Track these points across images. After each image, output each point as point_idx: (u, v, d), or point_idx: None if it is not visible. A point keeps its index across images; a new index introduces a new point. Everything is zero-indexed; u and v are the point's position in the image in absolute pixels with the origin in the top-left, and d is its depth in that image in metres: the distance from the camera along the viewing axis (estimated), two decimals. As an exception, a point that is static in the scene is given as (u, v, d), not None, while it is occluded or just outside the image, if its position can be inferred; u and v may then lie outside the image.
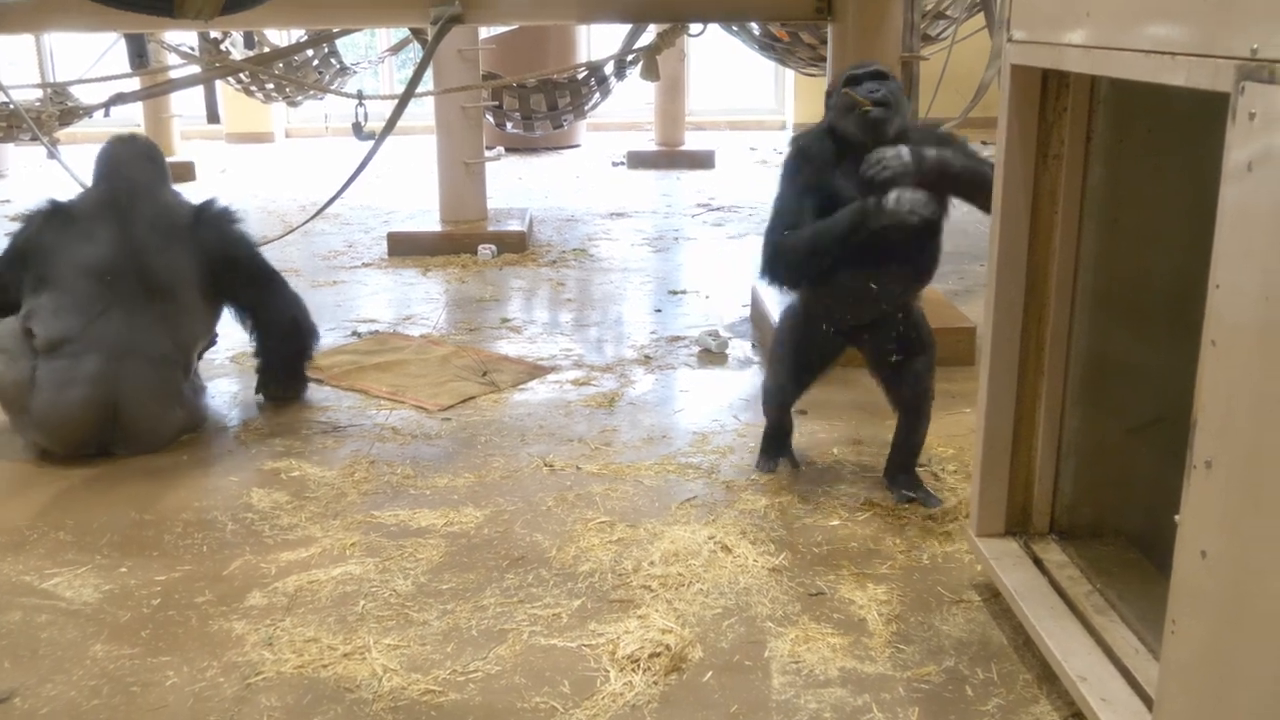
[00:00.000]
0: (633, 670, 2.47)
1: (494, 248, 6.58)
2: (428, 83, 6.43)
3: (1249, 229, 1.53)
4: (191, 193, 4.57)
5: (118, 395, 3.64)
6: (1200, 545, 1.66)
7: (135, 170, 4.01)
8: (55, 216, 3.88)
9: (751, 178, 9.48)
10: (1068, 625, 2.40)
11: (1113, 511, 2.74)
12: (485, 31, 8.48)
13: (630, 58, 7.60)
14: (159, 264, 3.83)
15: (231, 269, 4.01)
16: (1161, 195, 2.54)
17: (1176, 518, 1.72)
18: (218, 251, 3.97)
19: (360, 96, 6.63)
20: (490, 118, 8.03)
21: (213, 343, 4.42)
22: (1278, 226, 1.47)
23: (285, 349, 4.21)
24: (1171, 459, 1.84)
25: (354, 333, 5.12)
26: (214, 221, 4.03)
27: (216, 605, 2.80)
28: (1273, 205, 1.48)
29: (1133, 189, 2.56)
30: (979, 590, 2.82)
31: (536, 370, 4.56)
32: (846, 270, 3.09)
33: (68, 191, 4.29)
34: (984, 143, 10.36)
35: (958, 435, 3.75)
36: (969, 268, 6.05)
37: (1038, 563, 2.65)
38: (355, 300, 5.75)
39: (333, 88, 8.73)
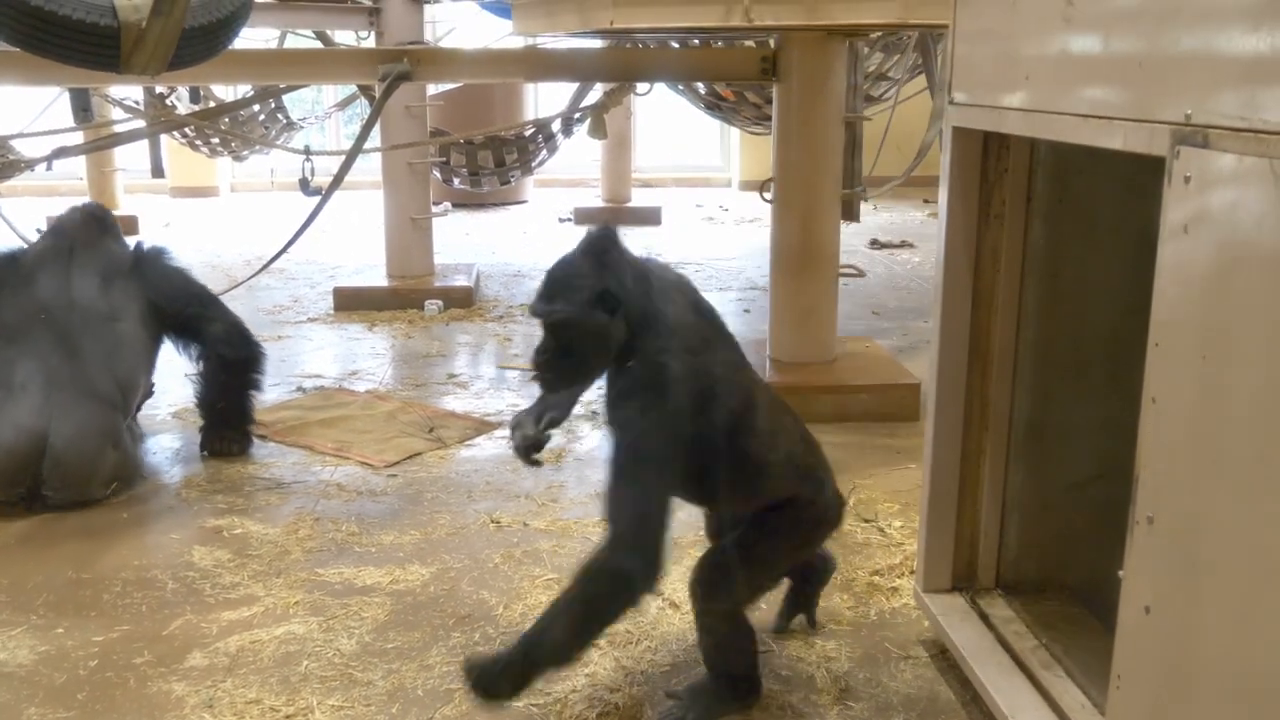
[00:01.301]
0: (581, 730, 2.45)
1: (441, 303, 6.56)
2: (375, 139, 6.45)
3: (1186, 289, 1.57)
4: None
5: (51, 430, 3.58)
6: (1143, 600, 1.68)
7: (79, 226, 4.14)
8: (2, 262, 4.01)
9: (698, 234, 9.55)
10: (1014, 681, 2.41)
11: (1057, 566, 2.77)
12: (433, 88, 8.51)
13: (577, 115, 7.66)
14: (99, 304, 3.90)
15: (170, 296, 4.10)
16: (1101, 254, 2.60)
17: (1120, 573, 1.74)
18: (156, 283, 4.09)
19: (307, 152, 6.62)
20: (438, 173, 8.05)
21: (150, 394, 4.38)
22: (1213, 287, 1.51)
23: (233, 356, 4.18)
24: (1114, 514, 1.86)
25: (299, 388, 5.08)
26: (151, 258, 4.17)
27: (156, 666, 2.74)
28: (1208, 266, 1.52)
29: (1073, 248, 2.61)
30: (926, 646, 2.83)
31: (483, 426, 4.55)
32: None
33: (8, 244, 4.28)
34: (926, 201, 10.57)
35: (903, 491, 3.78)
36: (912, 324, 6.12)
37: (984, 618, 2.66)
38: (300, 355, 5.71)
39: (279, 143, 8.72)
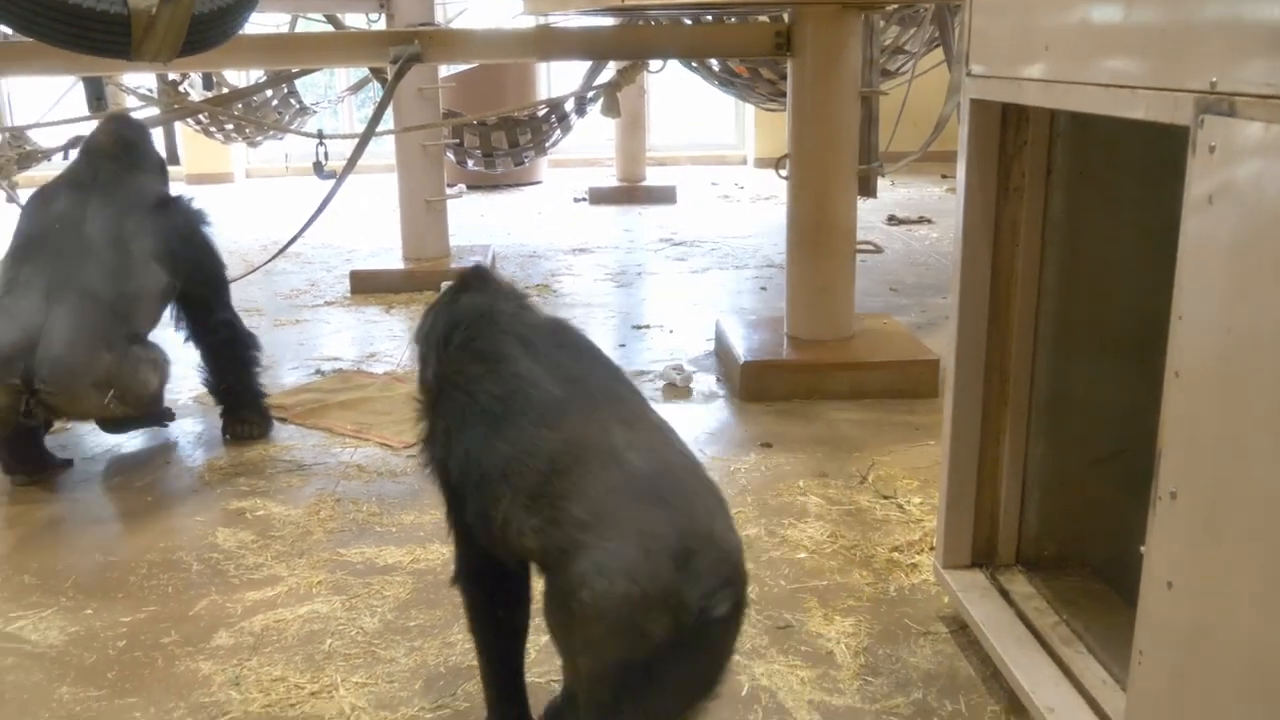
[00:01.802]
0: (604, 707, 2.46)
1: (457, 284, 6.55)
2: (388, 121, 6.45)
3: (1210, 261, 1.55)
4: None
5: (46, 322, 3.57)
6: (1166, 576, 1.67)
7: (107, 154, 4.05)
8: (35, 194, 4.05)
9: (714, 212, 9.53)
10: (1035, 657, 2.41)
11: (1078, 543, 2.76)
12: (445, 69, 8.50)
13: (591, 94, 7.65)
14: (115, 226, 3.84)
15: (184, 260, 4.00)
16: (1122, 226, 2.58)
17: (1142, 549, 1.73)
18: (178, 240, 4.00)
19: (321, 136, 6.62)
20: (451, 155, 8.05)
21: (169, 419, 4.37)
22: (1238, 259, 1.50)
23: (217, 340, 4.16)
24: (1136, 490, 1.85)
25: (317, 371, 5.09)
26: (186, 212, 4.10)
27: (182, 646, 2.77)
28: (1233, 238, 1.51)
29: (1094, 220, 2.59)
30: (946, 622, 2.83)
31: (502, 407, 4.54)
32: None
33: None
34: (944, 176, 10.52)
35: (922, 467, 3.77)
36: (930, 300, 6.10)
37: (1004, 594, 2.66)
38: (318, 339, 5.73)
39: (293, 127, 8.72)
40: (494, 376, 2.09)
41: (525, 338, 2.17)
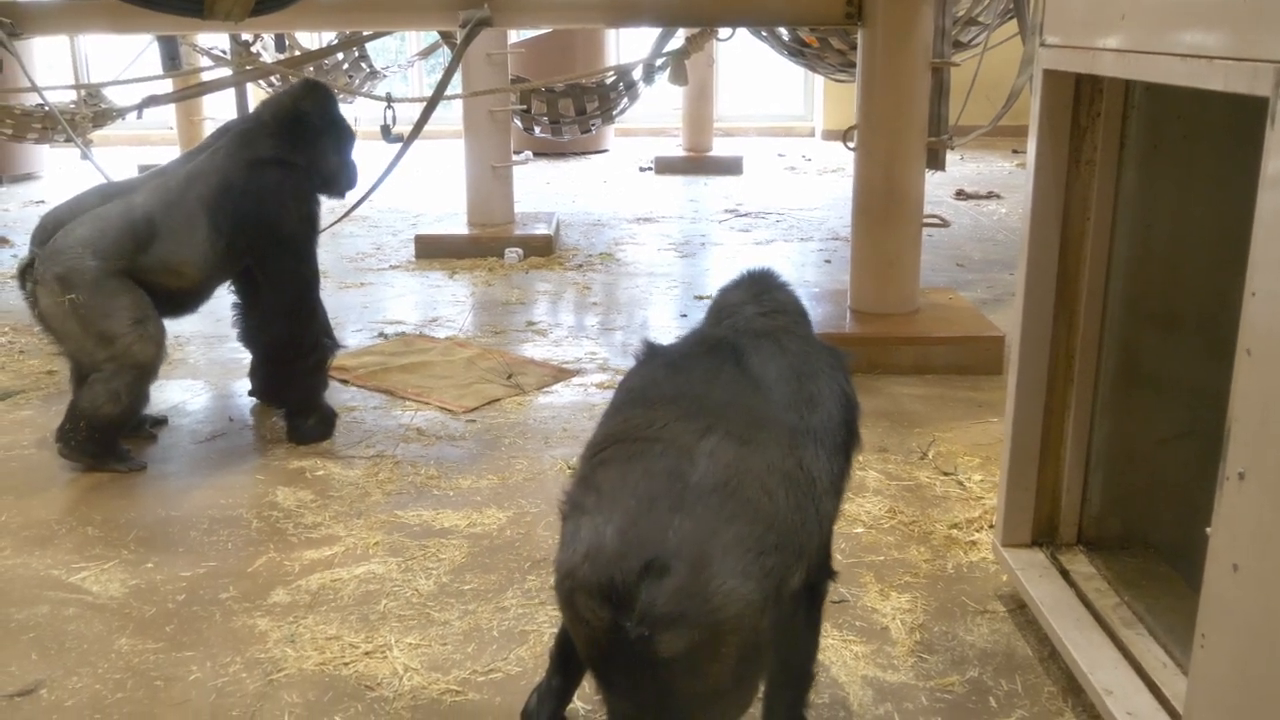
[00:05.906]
0: (654, 674, 2.46)
1: (521, 251, 6.58)
2: (456, 86, 6.45)
3: (1286, 236, 1.51)
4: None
5: (74, 209, 3.63)
6: (1232, 558, 1.63)
7: (284, 103, 3.87)
8: None
9: (780, 184, 9.46)
10: (1094, 638, 2.38)
11: (1142, 523, 2.72)
12: (514, 35, 8.49)
13: (659, 62, 7.60)
14: (201, 166, 3.71)
15: (246, 219, 3.67)
16: (1196, 202, 2.51)
17: (1208, 530, 1.69)
18: (247, 194, 3.67)
19: (389, 99, 6.64)
20: (518, 122, 8.04)
21: (163, 422, 4.07)
22: (1316, 234, 1.45)
23: (273, 337, 3.87)
24: (1203, 470, 1.81)
25: (381, 334, 5.13)
26: (270, 176, 3.72)
27: (240, 601, 2.81)
28: (1311, 212, 1.46)
29: (1167, 195, 2.53)
30: (1004, 601, 2.79)
31: (561, 373, 4.56)
32: None
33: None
34: (1015, 151, 10.34)
35: (984, 444, 3.73)
36: (998, 276, 6.01)
37: (1064, 574, 2.62)
38: (382, 302, 5.77)
39: (363, 91, 8.76)
40: (647, 367, 2.14)
41: (715, 343, 2.14)
